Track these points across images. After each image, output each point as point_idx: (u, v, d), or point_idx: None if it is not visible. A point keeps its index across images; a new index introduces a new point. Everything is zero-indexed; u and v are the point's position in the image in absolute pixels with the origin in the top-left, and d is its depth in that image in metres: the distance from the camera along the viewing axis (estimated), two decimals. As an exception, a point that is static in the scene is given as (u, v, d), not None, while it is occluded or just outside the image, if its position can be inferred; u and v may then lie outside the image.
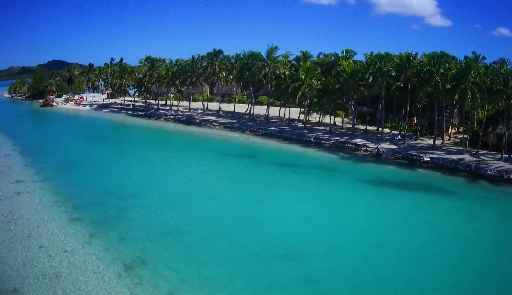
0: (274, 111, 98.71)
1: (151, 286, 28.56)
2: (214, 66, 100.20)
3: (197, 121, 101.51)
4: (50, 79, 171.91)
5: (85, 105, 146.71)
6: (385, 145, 64.41)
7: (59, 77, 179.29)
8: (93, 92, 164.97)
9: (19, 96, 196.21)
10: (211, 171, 59.12)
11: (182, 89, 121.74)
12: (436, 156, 58.04)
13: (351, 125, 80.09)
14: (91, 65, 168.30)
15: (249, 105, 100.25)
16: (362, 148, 65.40)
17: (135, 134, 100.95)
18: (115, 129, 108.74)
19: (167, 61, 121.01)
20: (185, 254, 33.38)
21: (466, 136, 63.53)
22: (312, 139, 72.61)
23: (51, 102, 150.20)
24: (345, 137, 71.30)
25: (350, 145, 67.37)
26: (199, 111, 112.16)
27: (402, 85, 65.53)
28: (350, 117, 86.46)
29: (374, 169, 57.14)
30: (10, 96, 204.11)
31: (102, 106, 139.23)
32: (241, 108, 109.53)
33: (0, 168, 57.84)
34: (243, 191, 50.38)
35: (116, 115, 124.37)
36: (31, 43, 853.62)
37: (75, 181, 53.35)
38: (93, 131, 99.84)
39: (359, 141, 68.35)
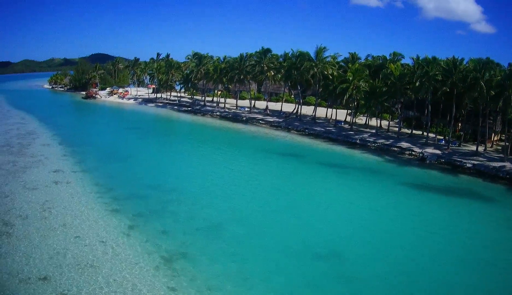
0: (321, 111, 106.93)
1: (189, 279, 29.98)
2: (262, 65, 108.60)
3: (244, 118, 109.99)
4: (93, 72, 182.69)
5: (129, 98, 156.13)
6: (430, 150, 70.25)
7: (103, 70, 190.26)
8: (138, 86, 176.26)
9: (60, 87, 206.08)
10: (256, 169, 63.48)
11: (229, 86, 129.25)
12: (478, 162, 63.48)
13: (397, 129, 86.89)
14: (136, 59, 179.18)
15: (296, 105, 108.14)
16: (407, 152, 71.66)
17: (180, 129, 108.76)
18: (159, 123, 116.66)
19: (215, 58, 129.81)
20: (225, 249, 34.97)
21: (508, 143, 68.02)
22: (358, 141, 79.52)
23: (94, 94, 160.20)
24: (391, 140, 77.95)
25: (395, 149, 73.85)
26: (246, 109, 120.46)
27: (448, 90, 71.18)
28: (396, 121, 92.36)
29: (418, 173, 61.94)
30: (50, 87, 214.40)
31: (147, 100, 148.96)
32: (288, 107, 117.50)
33: (38, 157, 59.83)
34: (287, 189, 53.86)
35: (161, 110, 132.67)
36: (73, 35, 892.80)
37: (116, 173, 55.52)
38: (137, 124, 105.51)
39: (404, 144, 74.54)
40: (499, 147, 76.38)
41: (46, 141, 73.01)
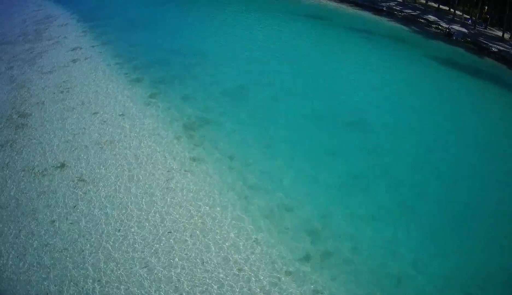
0: None
1: (211, 147, 31.03)
2: None
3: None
4: None
5: None
6: (456, 27, 69.65)
7: None
8: None
9: None
10: (281, 32, 62.26)
11: None
12: (504, 49, 64.32)
13: (423, 0, 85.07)
14: None
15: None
16: (434, 26, 70.14)
17: None
18: None
19: None
20: (248, 114, 35.39)
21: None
22: (384, 8, 78.04)
23: None
24: (418, 12, 75.81)
25: (422, 20, 71.81)
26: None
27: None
28: None
29: (444, 47, 60.83)
30: None
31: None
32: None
33: (55, 39, 57.57)
34: (314, 54, 53.54)
35: None
36: None
37: (137, 42, 54.31)
38: None
39: (431, 17, 73.15)
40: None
41: (65, 21, 70.06)
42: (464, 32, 66.73)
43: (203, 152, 30.56)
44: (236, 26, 64.55)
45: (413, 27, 69.12)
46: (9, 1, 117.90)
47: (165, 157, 30.12)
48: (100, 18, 69.75)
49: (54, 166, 29.08)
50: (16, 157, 31.01)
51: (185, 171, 29.11)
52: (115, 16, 71.52)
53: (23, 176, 28.81)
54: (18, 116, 36.76)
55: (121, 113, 35.10)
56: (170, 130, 32.95)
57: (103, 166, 29.20)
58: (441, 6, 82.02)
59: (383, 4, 79.64)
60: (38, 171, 29.09)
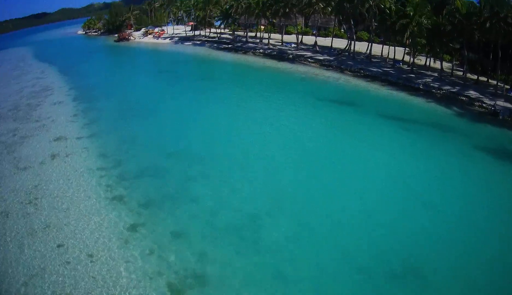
0: (375, 48, 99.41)
1: None
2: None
3: (290, 56, 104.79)
4: (127, 13, 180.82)
5: (165, 38, 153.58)
6: (501, 103, 64.19)
7: (138, 10, 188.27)
8: (177, 24, 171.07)
9: (93, 32, 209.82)
10: (306, 123, 57.11)
11: (274, 21, 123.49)
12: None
13: (460, 73, 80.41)
14: None
15: (349, 41, 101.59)
16: (476, 103, 65.68)
17: (217, 70, 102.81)
18: (195, 64, 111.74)
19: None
20: (264, 264, 27.80)
21: None
22: (421, 87, 73.97)
23: (127, 36, 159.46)
24: (457, 88, 71.98)
25: (463, 98, 67.97)
26: (293, 45, 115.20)
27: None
28: (456, 63, 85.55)
29: (492, 132, 54.60)
30: (84, 32, 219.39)
31: (184, 39, 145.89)
32: (338, 43, 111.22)
33: (43, 121, 55.58)
34: (344, 151, 47.60)
35: (199, 49, 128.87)
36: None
37: (131, 136, 49.16)
38: (170, 67, 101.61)
39: (472, 93, 68.64)
40: None
41: (60, 98, 69.18)
42: (510, 109, 60.94)
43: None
44: (254, 117, 58.57)
45: (455, 108, 64.77)
46: (16, 63, 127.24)
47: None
48: (98, 98, 67.83)
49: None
50: None
51: None
52: (115, 96, 69.68)
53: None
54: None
55: (90, 253, 28.42)
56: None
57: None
58: (480, 78, 76.34)
59: (419, 81, 75.97)
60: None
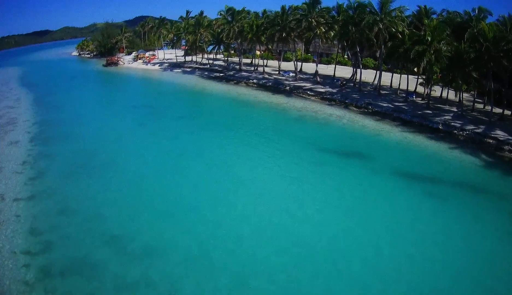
0: (383, 77, 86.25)
1: None
2: (310, 19, 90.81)
3: (287, 88, 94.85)
4: (119, 35, 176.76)
5: (154, 64, 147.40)
6: None
7: (130, 32, 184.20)
8: (172, 48, 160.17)
9: (86, 54, 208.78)
10: (304, 189, 43.56)
11: (270, 47, 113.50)
12: None
13: (481, 105, 70.32)
14: (162, 19, 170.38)
15: (354, 69, 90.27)
16: (506, 147, 53.83)
17: (201, 105, 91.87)
18: (178, 97, 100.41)
19: (252, 13, 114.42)
20: None
21: None
22: (440, 127, 61.86)
23: (115, 61, 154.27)
24: (481, 127, 60.17)
25: (490, 141, 56.12)
26: (291, 74, 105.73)
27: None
28: (472, 93, 73.73)
29: None
30: (78, 54, 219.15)
31: (173, 66, 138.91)
32: (342, 71, 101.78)
33: None
34: (355, 230, 35.14)
35: (188, 77, 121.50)
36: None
37: (76, 205, 39.71)
38: (149, 101, 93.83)
39: (500, 134, 56.79)
40: None
41: (18, 137, 63.61)
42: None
43: None
44: (234, 178, 46.40)
45: (483, 156, 52.72)
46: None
47: None
48: (57, 140, 61.48)
49: None
50: None
51: None
52: (76, 139, 61.99)
53: None
54: None
55: None
56: None
57: None
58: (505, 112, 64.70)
59: (437, 119, 63.74)
60: None
